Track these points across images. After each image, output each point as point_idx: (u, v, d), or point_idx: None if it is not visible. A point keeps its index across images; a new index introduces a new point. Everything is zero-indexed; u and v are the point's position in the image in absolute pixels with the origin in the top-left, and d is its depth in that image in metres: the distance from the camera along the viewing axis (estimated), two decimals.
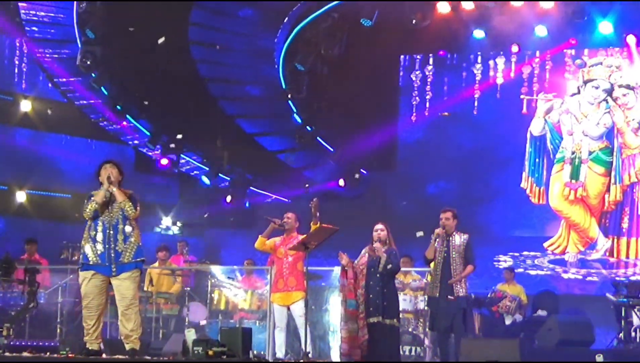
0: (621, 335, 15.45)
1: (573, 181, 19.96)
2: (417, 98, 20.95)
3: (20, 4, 18.74)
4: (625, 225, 19.65)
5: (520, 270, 19.67)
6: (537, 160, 20.32)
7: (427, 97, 20.92)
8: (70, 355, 11.14)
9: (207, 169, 21.73)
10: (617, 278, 18.80)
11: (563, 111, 20.16)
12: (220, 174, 21.45)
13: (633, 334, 15.40)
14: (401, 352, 13.91)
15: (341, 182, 21.22)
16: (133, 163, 21.91)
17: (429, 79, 20.93)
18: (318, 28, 19.41)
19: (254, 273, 17.13)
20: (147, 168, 21.60)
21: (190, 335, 11.84)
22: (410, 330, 15.44)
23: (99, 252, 10.39)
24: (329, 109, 20.79)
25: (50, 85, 20.55)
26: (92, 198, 10.46)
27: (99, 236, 10.42)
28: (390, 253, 12.11)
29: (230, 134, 21.23)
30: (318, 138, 20.84)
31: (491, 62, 20.45)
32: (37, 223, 20.26)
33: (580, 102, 20.04)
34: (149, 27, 18.64)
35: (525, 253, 20.24)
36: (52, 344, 14.40)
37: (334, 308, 14.79)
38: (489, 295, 17.16)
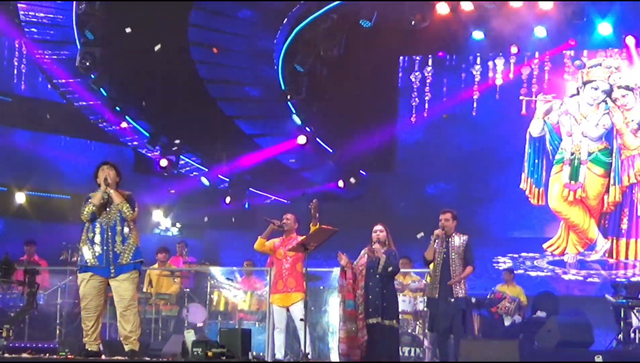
0: (620, 336, 15.47)
1: (572, 182, 19.97)
2: (416, 99, 20.95)
3: (19, 5, 18.73)
4: (624, 226, 19.66)
5: (521, 271, 19.68)
6: (536, 161, 20.32)
7: (426, 98, 20.93)
8: (69, 356, 11.14)
9: (206, 169, 21.75)
10: (617, 279, 18.82)
11: (562, 112, 20.17)
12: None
13: (632, 335, 15.42)
14: (400, 353, 13.92)
15: (340, 183, 21.22)
16: (132, 164, 21.92)
17: (428, 80, 20.94)
18: (317, 29, 19.39)
19: (253, 274, 17.14)
20: (147, 169, 21.60)
21: (190, 336, 11.85)
22: (409, 331, 15.45)
23: (97, 254, 10.39)
24: (328, 110, 20.79)
25: (49, 86, 20.55)
26: (89, 200, 10.46)
27: (97, 238, 10.41)
28: (390, 254, 12.12)
29: (230, 135, 21.24)
30: (317, 138, 20.84)
31: (490, 64, 20.46)
32: (36, 224, 20.25)
33: (580, 104, 20.06)
34: (149, 28, 18.63)
35: (523, 254, 20.25)
36: (52, 345, 14.40)
37: (334, 309, 14.80)
38: (488, 296, 17.17)
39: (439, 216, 12.50)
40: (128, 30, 18.59)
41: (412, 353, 15.27)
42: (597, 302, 17.36)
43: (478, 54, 20.44)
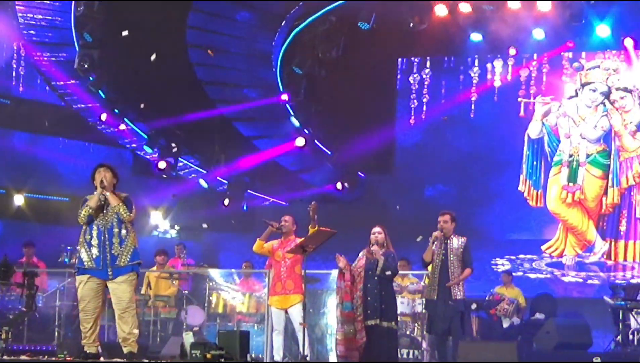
0: (619, 338, 15.47)
1: (571, 184, 19.98)
2: (415, 101, 20.95)
3: (17, 7, 18.72)
4: (622, 228, 19.67)
5: (520, 273, 19.69)
6: (534, 163, 20.33)
7: (425, 100, 20.93)
8: (68, 358, 11.16)
9: (205, 171, 21.74)
10: (615, 281, 18.84)
11: (560, 113, 20.18)
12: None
13: (631, 337, 15.42)
14: (399, 355, 13.93)
15: (339, 185, 21.22)
16: (131, 166, 21.91)
17: (426, 82, 20.95)
18: (316, 31, 19.40)
19: (252, 276, 17.14)
20: (145, 171, 21.59)
21: (188, 338, 11.85)
22: (408, 333, 15.46)
23: (94, 256, 10.39)
24: (326, 112, 20.78)
25: (47, 88, 20.54)
26: (86, 203, 10.46)
27: (94, 241, 10.42)
28: (388, 256, 12.12)
29: (228, 138, 21.24)
30: (316, 140, 20.84)
31: (488, 65, 20.46)
32: (34, 227, 20.25)
33: (578, 105, 20.07)
34: (147, 31, 18.63)
35: (521, 256, 20.25)
36: (50, 348, 14.40)
37: (332, 311, 14.78)
38: (486, 298, 17.17)
39: (438, 218, 12.50)
40: (125, 33, 18.59)
41: (411, 355, 15.28)
42: (596, 304, 17.36)
43: (476, 56, 20.45)
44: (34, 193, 20.94)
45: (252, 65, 20.86)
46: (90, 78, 19.15)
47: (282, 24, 19.59)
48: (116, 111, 20.20)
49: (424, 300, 13.61)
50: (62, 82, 20.09)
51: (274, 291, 12.87)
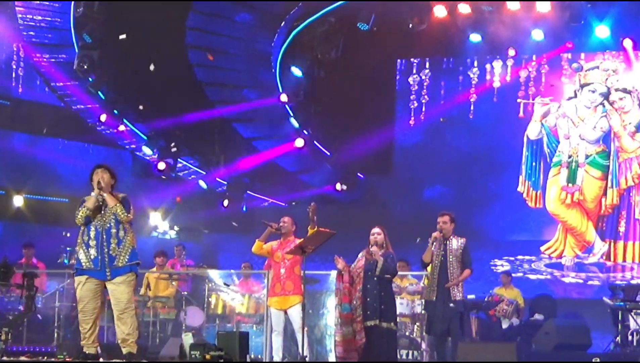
0: (618, 338, 15.46)
1: (570, 184, 19.98)
2: (414, 102, 20.96)
3: (17, 8, 18.72)
4: (621, 229, 19.68)
5: (520, 274, 19.70)
6: (533, 164, 20.33)
7: (424, 101, 20.94)
8: (67, 359, 11.16)
9: (204, 172, 21.75)
10: (614, 282, 18.84)
11: (560, 114, 20.19)
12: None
13: (630, 338, 15.42)
14: (398, 356, 13.93)
15: (338, 186, 21.22)
16: (130, 166, 21.91)
17: (425, 83, 20.95)
18: (315, 32, 19.42)
19: (251, 277, 17.14)
20: (145, 172, 21.59)
21: (188, 339, 11.86)
22: (407, 333, 15.46)
23: (92, 257, 10.39)
24: (325, 113, 20.79)
25: (47, 89, 20.54)
26: (83, 204, 10.47)
27: (92, 241, 10.41)
28: (387, 257, 12.11)
29: (228, 138, 21.24)
30: (315, 141, 20.84)
31: (488, 66, 20.47)
32: (34, 228, 20.27)
33: (577, 106, 20.07)
34: (146, 31, 18.63)
35: (519, 257, 20.26)
36: (50, 349, 14.40)
37: (331, 312, 14.79)
38: (486, 299, 17.16)
39: (437, 219, 12.50)
40: (122, 36, 18.60)
41: (410, 356, 15.28)
42: (595, 305, 17.36)
43: (475, 57, 20.45)
44: (33, 194, 20.95)
45: (252, 66, 20.87)
46: (90, 79, 19.15)
47: (282, 24, 19.60)
48: (116, 112, 20.20)
49: (423, 300, 13.61)
50: (61, 83, 20.10)
51: (273, 292, 12.87)
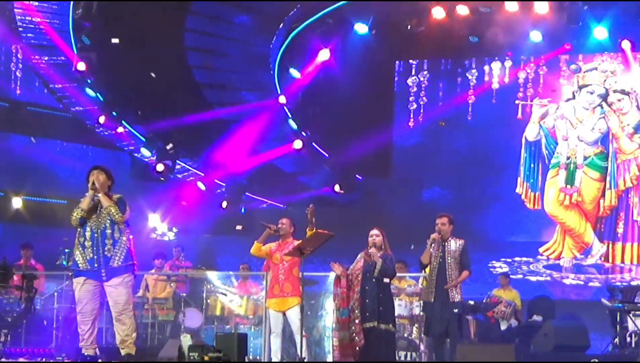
0: (616, 340, 15.48)
1: (568, 186, 19.99)
2: (413, 104, 20.96)
3: (16, 10, 18.71)
4: (620, 230, 19.69)
5: (520, 276, 19.70)
6: (532, 165, 20.35)
7: (422, 102, 20.94)
8: (66, 360, 11.15)
9: (203, 174, 21.73)
10: (613, 283, 18.84)
11: (558, 116, 20.20)
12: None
13: (628, 339, 15.42)
14: (397, 357, 13.93)
15: (336, 187, 21.21)
16: (129, 168, 21.89)
17: (423, 85, 20.96)
18: (313, 33, 19.42)
19: (249, 279, 17.12)
20: (143, 173, 21.58)
21: (186, 340, 11.88)
22: (405, 335, 15.46)
23: (87, 258, 10.43)
24: (324, 114, 20.79)
25: (45, 91, 20.54)
26: (79, 205, 10.50)
27: (88, 242, 10.45)
28: (386, 258, 12.11)
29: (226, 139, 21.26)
30: (313, 143, 20.84)
31: (486, 68, 20.49)
32: (32, 229, 20.24)
33: (575, 108, 20.09)
34: (145, 33, 18.63)
35: (518, 258, 20.26)
36: (48, 350, 14.39)
37: (330, 314, 14.79)
38: (484, 301, 17.17)
39: (436, 220, 12.50)
40: (115, 40, 18.60)
41: (409, 358, 15.28)
42: (593, 306, 17.38)
43: (474, 59, 20.46)
44: (31, 196, 20.94)
45: (250, 68, 20.86)
46: (88, 81, 19.15)
47: (280, 26, 19.60)
48: (114, 113, 20.18)
49: (421, 302, 13.61)
50: (60, 85, 20.08)
51: (272, 294, 12.88)
